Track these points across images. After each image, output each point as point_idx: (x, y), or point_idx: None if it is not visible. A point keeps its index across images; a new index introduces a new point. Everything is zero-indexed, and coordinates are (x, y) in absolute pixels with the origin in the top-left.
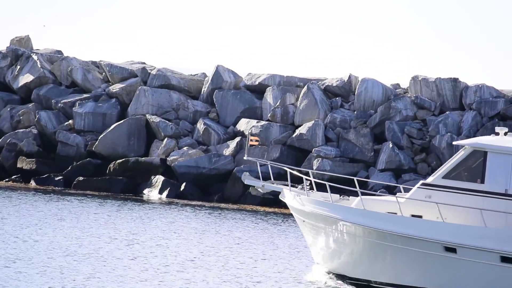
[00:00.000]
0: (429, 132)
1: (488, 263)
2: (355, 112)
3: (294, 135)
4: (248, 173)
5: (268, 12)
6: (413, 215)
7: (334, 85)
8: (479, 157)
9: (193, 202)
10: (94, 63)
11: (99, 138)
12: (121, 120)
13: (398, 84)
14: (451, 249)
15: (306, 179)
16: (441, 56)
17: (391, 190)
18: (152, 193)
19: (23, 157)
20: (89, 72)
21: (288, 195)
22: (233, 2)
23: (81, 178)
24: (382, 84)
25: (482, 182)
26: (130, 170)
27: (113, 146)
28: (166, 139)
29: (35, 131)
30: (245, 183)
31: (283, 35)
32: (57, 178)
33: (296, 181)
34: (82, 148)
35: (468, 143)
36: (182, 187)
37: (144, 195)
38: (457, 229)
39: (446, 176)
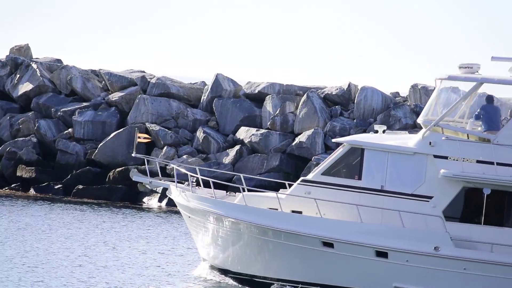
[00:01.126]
0: None
1: (363, 258)
2: (355, 120)
3: (293, 143)
4: (136, 169)
5: (268, 21)
6: (293, 211)
7: (333, 93)
8: (357, 154)
9: None
10: (93, 71)
11: (99, 146)
12: (120, 128)
13: (397, 93)
14: (328, 244)
15: (191, 176)
16: (440, 64)
17: None
18: (151, 201)
19: (23, 166)
20: (89, 81)
21: (174, 191)
22: (233, 12)
23: (80, 187)
24: (382, 93)
25: (359, 178)
26: (130, 179)
27: (113, 155)
28: (165, 148)
29: (34, 139)
30: (133, 179)
31: (282, 43)
32: (56, 187)
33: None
34: (82, 156)
35: (346, 140)
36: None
37: (143, 203)
38: (334, 225)
39: (325, 173)
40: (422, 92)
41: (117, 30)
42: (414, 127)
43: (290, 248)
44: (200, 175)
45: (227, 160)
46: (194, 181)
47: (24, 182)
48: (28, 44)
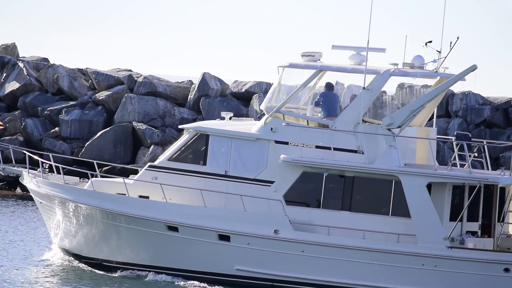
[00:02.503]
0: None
1: (207, 241)
2: None
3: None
4: None
5: (254, 20)
6: (140, 196)
7: (321, 91)
8: (202, 140)
9: None
10: (80, 70)
11: (85, 145)
12: (107, 127)
13: (384, 91)
14: (173, 228)
15: (43, 162)
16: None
17: None
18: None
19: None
20: (75, 80)
21: (27, 177)
22: (219, 10)
23: None
24: None
25: (204, 164)
26: None
27: (100, 154)
28: (152, 146)
29: (21, 138)
30: None
31: (269, 42)
32: None
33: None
34: (69, 155)
35: (191, 127)
36: None
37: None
38: (179, 209)
39: (172, 159)
40: (408, 91)
41: (104, 29)
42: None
43: (137, 232)
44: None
45: None
46: (46, 167)
47: (10, 180)
48: (14, 43)
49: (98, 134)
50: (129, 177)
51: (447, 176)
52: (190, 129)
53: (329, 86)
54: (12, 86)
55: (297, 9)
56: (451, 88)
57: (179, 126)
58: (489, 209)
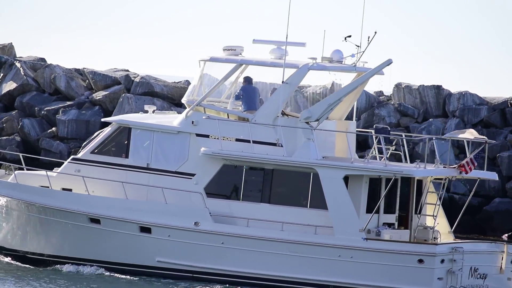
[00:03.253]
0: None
1: (128, 233)
2: None
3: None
4: None
5: (251, 19)
6: (63, 189)
7: (317, 92)
8: (124, 133)
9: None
10: (77, 70)
11: (83, 145)
12: (104, 127)
13: (381, 92)
14: (95, 220)
15: None
16: (424, 63)
17: None
18: None
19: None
20: (73, 80)
21: None
22: (216, 10)
23: None
24: (365, 91)
25: (127, 156)
26: None
27: None
28: None
29: (18, 138)
30: None
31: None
32: None
33: None
34: (66, 155)
35: (114, 120)
36: None
37: None
38: (101, 202)
39: (94, 151)
40: (406, 91)
41: (101, 29)
42: (398, 126)
43: (59, 224)
44: None
45: None
46: None
47: None
48: (11, 43)
49: (95, 134)
50: (53, 170)
51: (363, 168)
52: (113, 122)
53: (248, 80)
54: (9, 86)
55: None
56: (446, 88)
57: (102, 120)
58: (407, 201)
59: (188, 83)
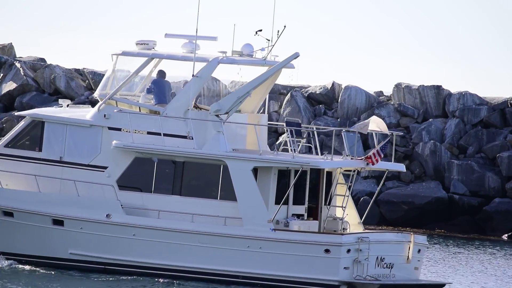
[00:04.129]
0: (412, 139)
1: (41, 226)
2: (339, 120)
3: (277, 143)
4: None
5: (251, 19)
6: None
7: (317, 92)
8: (37, 127)
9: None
10: (77, 70)
11: None
12: None
13: (381, 92)
14: (8, 213)
15: None
16: (424, 63)
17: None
18: None
19: None
20: (72, 80)
21: None
22: (215, 8)
23: None
24: (365, 92)
25: (40, 150)
26: None
27: None
28: None
29: None
30: None
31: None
32: None
33: None
34: None
35: (27, 114)
36: None
37: None
38: (13, 195)
39: (8, 145)
40: (405, 91)
41: (100, 29)
42: (397, 126)
43: None
44: None
45: None
46: None
47: None
48: (11, 43)
49: None
50: None
51: (271, 160)
52: (26, 116)
53: (160, 73)
54: (9, 86)
55: None
56: (446, 88)
57: (15, 113)
58: (316, 192)
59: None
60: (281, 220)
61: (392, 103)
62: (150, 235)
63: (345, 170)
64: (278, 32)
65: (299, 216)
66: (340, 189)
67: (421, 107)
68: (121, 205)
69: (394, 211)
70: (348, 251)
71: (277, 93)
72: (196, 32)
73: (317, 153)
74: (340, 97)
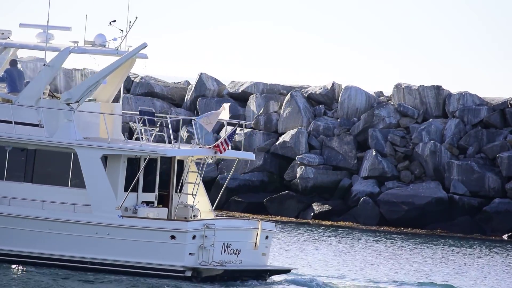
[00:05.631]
0: (412, 139)
1: None
2: (338, 120)
3: (277, 143)
4: None
5: (251, 20)
6: None
7: (317, 92)
8: None
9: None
10: (77, 70)
11: None
12: None
13: (381, 92)
14: None
15: None
16: (424, 63)
17: (375, 198)
18: None
19: None
20: (72, 80)
21: None
22: (216, 10)
23: None
24: (365, 92)
25: None
26: None
27: None
28: None
29: None
30: None
31: (266, 43)
32: None
33: None
34: None
35: None
36: None
37: None
38: None
39: None
40: (405, 92)
41: (100, 28)
42: (397, 127)
43: None
44: None
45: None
46: None
47: None
48: None
49: None
50: None
51: (119, 148)
52: None
53: (13, 62)
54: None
55: None
56: (446, 88)
57: None
58: (167, 180)
59: (188, 83)
60: (130, 207)
61: (392, 103)
62: (1, 222)
63: (197, 159)
64: (130, 22)
65: (148, 204)
66: (192, 177)
67: (421, 108)
68: None
69: (394, 212)
70: (194, 237)
71: (277, 93)
72: (48, 21)
73: (169, 142)
74: (340, 97)
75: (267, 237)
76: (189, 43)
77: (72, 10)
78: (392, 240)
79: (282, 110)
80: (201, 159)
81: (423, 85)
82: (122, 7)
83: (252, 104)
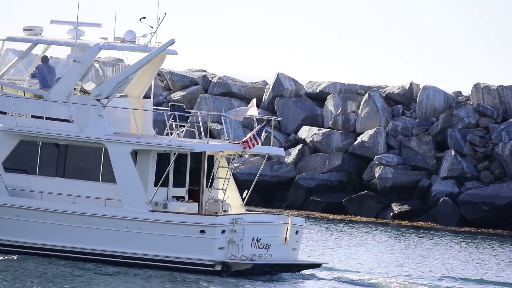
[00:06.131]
0: (491, 139)
1: None
2: (417, 120)
3: (355, 143)
4: None
5: (329, 20)
6: None
7: (395, 92)
8: None
9: (256, 209)
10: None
11: None
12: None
13: (459, 92)
14: None
15: None
16: (503, 63)
17: (454, 198)
18: None
19: None
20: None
21: None
22: (294, 10)
23: None
24: (444, 92)
25: None
26: None
27: None
28: None
29: None
30: None
31: (343, 42)
32: None
33: None
34: None
35: None
36: (244, 195)
37: None
38: None
39: None
40: (484, 92)
41: (177, 29)
42: (476, 127)
43: None
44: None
45: (289, 159)
46: None
47: None
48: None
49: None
50: None
51: (148, 143)
52: None
53: (44, 58)
54: (88, 86)
55: None
56: None
57: None
58: (198, 175)
59: (265, 83)
60: (160, 201)
61: (470, 103)
62: (33, 216)
63: (228, 154)
64: (159, 19)
65: (179, 198)
66: (222, 172)
67: (500, 107)
68: (6, 187)
69: (474, 212)
70: (223, 231)
71: (355, 93)
72: (77, 18)
73: (200, 138)
74: (418, 97)
75: (297, 232)
76: (267, 43)
77: (103, 7)
78: (473, 241)
79: (360, 110)
80: (231, 154)
81: (502, 85)
82: (165, 4)
83: (329, 104)
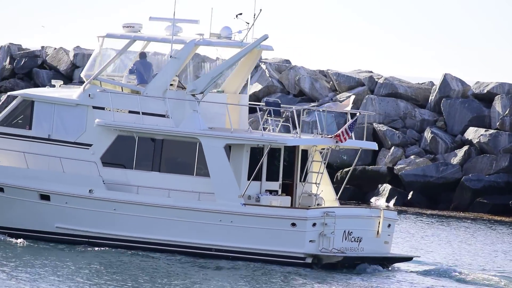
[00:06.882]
0: None
1: (29, 201)
2: None
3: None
4: None
5: (496, 19)
6: None
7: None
8: (28, 106)
9: (421, 211)
10: (321, 72)
11: None
12: None
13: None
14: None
15: None
16: None
17: None
18: (379, 201)
19: None
20: (317, 81)
21: None
22: (459, 12)
23: None
24: None
25: (30, 128)
26: (357, 179)
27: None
28: (393, 148)
29: None
30: None
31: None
32: None
33: None
34: None
35: (19, 93)
36: (410, 196)
37: (371, 203)
38: (3, 171)
39: (1, 124)
40: None
41: (346, 31)
42: None
43: None
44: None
45: (455, 160)
46: None
47: None
48: None
49: None
50: None
51: (241, 138)
52: (18, 95)
53: (142, 55)
54: (255, 87)
55: None
56: None
57: (8, 93)
58: (291, 169)
59: (432, 84)
60: (253, 195)
61: None
62: (129, 210)
63: (322, 148)
64: (254, 15)
65: (272, 192)
66: (316, 166)
67: None
68: (103, 181)
69: None
70: (314, 224)
71: None
72: (174, 15)
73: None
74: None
75: (389, 225)
76: (433, 44)
77: (200, 3)
78: None
79: None
80: (324, 148)
81: None
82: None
83: (497, 105)
